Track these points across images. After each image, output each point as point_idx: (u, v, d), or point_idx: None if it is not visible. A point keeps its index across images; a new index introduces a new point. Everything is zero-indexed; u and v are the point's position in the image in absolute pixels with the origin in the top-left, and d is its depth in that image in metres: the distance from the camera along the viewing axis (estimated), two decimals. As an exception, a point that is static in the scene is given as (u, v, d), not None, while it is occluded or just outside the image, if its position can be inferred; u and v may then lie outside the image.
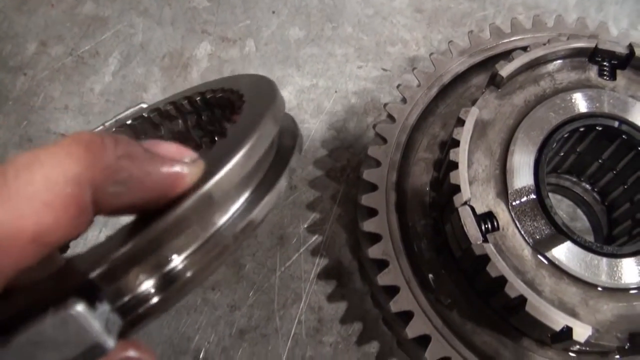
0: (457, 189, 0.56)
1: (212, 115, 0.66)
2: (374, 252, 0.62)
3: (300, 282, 0.68)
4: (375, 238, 0.62)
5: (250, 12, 0.83)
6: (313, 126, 0.77)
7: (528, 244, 0.56)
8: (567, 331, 0.51)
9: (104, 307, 0.34)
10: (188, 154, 0.39)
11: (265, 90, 0.51)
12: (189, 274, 0.38)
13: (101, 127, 0.67)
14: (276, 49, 0.82)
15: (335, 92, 0.79)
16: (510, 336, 0.60)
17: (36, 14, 0.83)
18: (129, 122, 0.66)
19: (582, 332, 0.51)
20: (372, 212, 0.63)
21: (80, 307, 0.31)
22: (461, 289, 0.62)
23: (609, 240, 0.71)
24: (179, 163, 0.38)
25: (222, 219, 0.41)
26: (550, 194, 0.67)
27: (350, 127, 0.77)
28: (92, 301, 0.33)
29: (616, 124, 0.62)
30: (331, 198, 0.73)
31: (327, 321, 0.67)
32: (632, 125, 0.62)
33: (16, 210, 0.31)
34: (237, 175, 0.40)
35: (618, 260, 0.56)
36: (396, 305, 0.59)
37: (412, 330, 0.58)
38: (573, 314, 0.53)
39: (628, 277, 0.55)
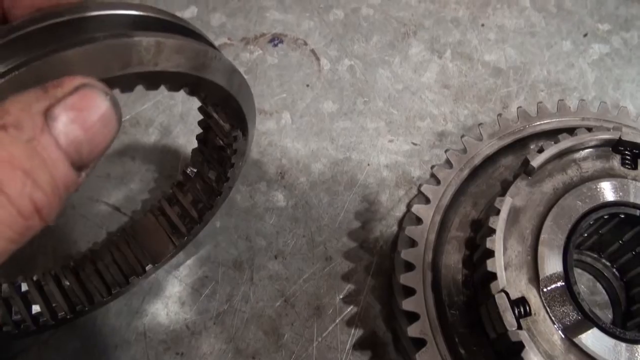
0: (493, 276, 0.62)
1: None
2: (413, 331, 0.66)
3: (337, 353, 0.73)
4: (413, 316, 0.67)
5: (285, 86, 0.89)
6: (347, 198, 0.82)
7: (558, 329, 0.62)
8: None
9: None
10: None
11: None
12: None
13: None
14: (310, 122, 0.88)
15: (368, 165, 0.85)
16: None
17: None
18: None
19: None
20: (409, 291, 0.69)
21: None
22: (493, 366, 0.68)
23: (627, 315, 0.77)
24: None
25: None
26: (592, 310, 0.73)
27: (382, 200, 0.83)
28: None
29: (638, 212, 0.69)
30: (365, 269, 0.78)
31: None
32: (652, 212, 0.69)
33: None
34: None
35: (637, 346, 0.62)
36: (429, 374, 0.65)
37: (447, 408, 0.64)
38: None
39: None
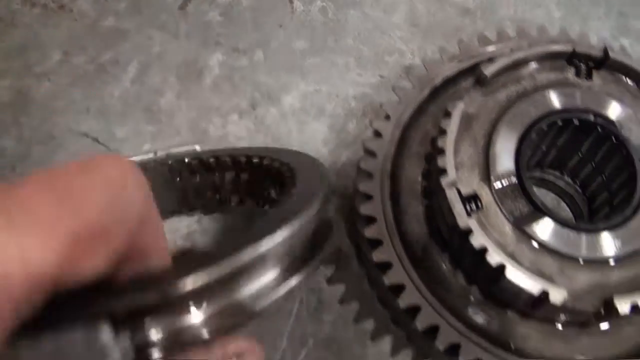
0: (444, 172, 0.63)
1: (252, 178, 0.72)
2: (370, 232, 0.68)
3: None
4: (371, 220, 0.69)
5: (259, 26, 0.91)
6: (315, 127, 0.84)
7: (509, 221, 0.63)
8: (544, 296, 0.57)
9: (126, 339, 0.32)
10: None
11: (317, 173, 0.55)
12: (203, 334, 0.35)
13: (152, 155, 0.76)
14: (283, 59, 0.89)
15: (337, 96, 0.86)
16: (496, 310, 0.66)
17: (60, 27, 0.91)
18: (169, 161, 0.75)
19: (557, 295, 0.56)
20: (368, 197, 0.70)
21: (108, 333, 0.31)
22: (448, 268, 0.68)
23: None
24: None
25: (254, 287, 0.38)
26: (535, 188, 0.74)
27: (349, 128, 0.84)
28: (118, 329, 0.32)
29: (591, 117, 0.70)
30: (331, 192, 0.80)
31: (326, 301, 0.73)
32: (606, 118, 0.69)
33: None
34: (289, 245, 0.39)
35: (591, 234, 0.62)
36: (389, 279, 0.65)
37: (404, 300, 0.64)
38: (551, 281, 0.59)
39: (601, 249, 0.61)
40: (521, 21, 0.91)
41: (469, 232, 0.59)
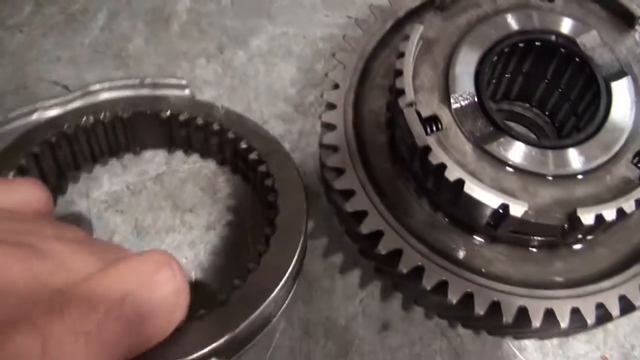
0: (402, 93, 0.62)
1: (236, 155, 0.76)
2: (332, 161, 0.67)
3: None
4: (334, 149, 0.68)
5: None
6: (283, 68, 0.83)
7: (469, 140, 0.62)
8: (505, 210, 0.57)
9: None
10: None
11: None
12: None
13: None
14: (250, 3, 0.88)
15: (304, 38, 0.85)
16: (462, 235, 0.65)
17: (29, -21, 0.92)
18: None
19: (518, 208, 0.56)
20: (331, 128, 0.69)
21: None
22: (413, 196, 0.68)
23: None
24: None
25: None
26: (504, 121, 0.74)
27: (317, 68, 0.83)
28: None
29: (553, 37, 0.69)
30: (299, 132, 0.79)
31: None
32: (568, 38, 0.68)
33: None
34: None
35: (553, 151, 0.61)
36: (352, 205, 0.65)
37: (367, 226, 0.63)
38: (513, 197, 0.58)
39: (564, 166, 0.60)
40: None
41: (428, 150, 0.58)
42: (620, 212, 0.56)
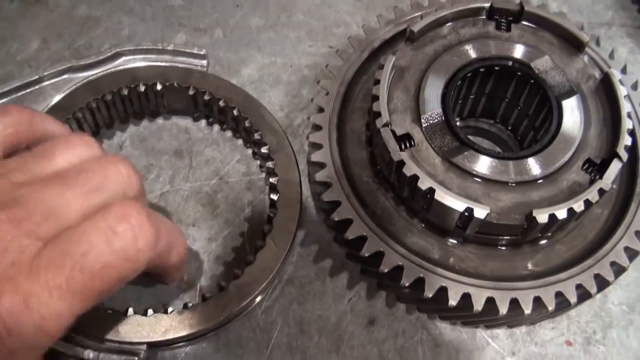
0: (378, 115, 0.71)
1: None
2: (320, 176, 0.75)
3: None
4: (321, 166, 0.77)
5: (217, 7, 0.99)
6: (273, 94, 0.92)
7: (438, 154, 0.71)
8: (470, 213, 0.65)
9: None
10: None
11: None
12: None
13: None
14: (240, 35, 0.97)
15: (291, 66, 0.94)
16: (435, 237, 0.74)
17: (38, 18, 0.98)
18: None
19: (481, 211, 0.64)
20: (318, 147, 0.78)
21: None
22: (392, 205, 0.76)
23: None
24: None
25: None
26: (471, 137, 0.83)
27: (303, 93, 0.92)
28: None
29: (510, 63, 0.78)
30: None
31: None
32: (523, 63, 0.77)
33: None
34: None
35: (512, 161, 0.70)
36: (338, 215, 0.73)
37: (352, 232, 0.71)
38: (477, 202, 0.66)
39: (521, 173, 0.69)
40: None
41: (402, 164, 0.67)
42: (571, 212, 0.65)
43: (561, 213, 0.65)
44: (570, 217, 0.66)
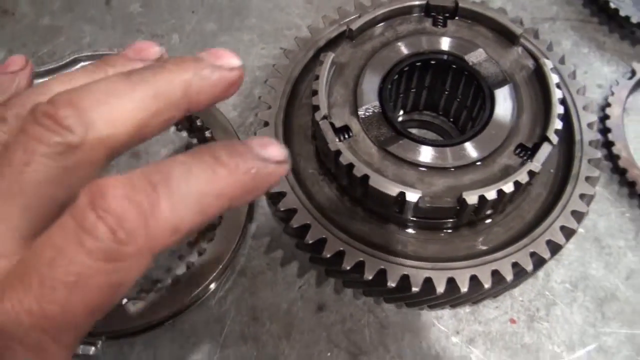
0: (317, 108, 0.75)
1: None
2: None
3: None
4: (268, 161, 0.80)
5: (174, 13, 1.03)
6: (227, 94, 0.96)
7: (375, 144, 0.74)
8: (402, 197, 0.69)
9: None
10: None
11: None
12: None
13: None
14: (196, 40, 1.01)
15: (244, 68, 0.98)
16: (377, 224, 0.77)
17: (5, 29, 1.02)
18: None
19: (413, 195, 0.67)
20: (265, 142, 0.81)
21: None
22: (336, 194, 0.80)
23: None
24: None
25: None
26: (416, 129, 0.87)
27: (255, 93, 0.95)
28: None
29: (445, 57, 0.82)
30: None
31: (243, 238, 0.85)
32: (458, 57, 0.81)
33: None
34: None
35: (443, 148, 0.74)
36: (283, 205, 0.76)
37: (296, 221, 0.75)
38: (411, 187, 0.69)
39: (453, 159, 0.72)
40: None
41: (339, 153, 0.71)
42: (501, 193, 0.68)
43: (491, 194, 0.68)
44: (501, 199, 0.70)
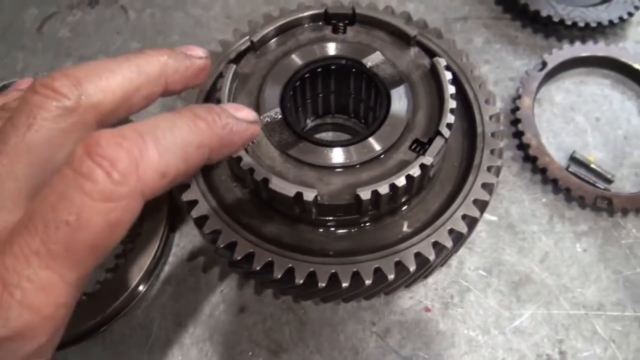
0: (222, 119, 0.78)
1: None
2: (186, 196, 0.82)
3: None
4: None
5: (101, 36, 1.07)
6: (149, 109, 0.99)
7: (277, 148, 0.78)
8: (300, 197, 0.72)
9: None
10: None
11: None
12: None
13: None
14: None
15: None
16: (287, 224, 0.80)
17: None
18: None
19: (309, 194, 0.70)
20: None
21: None
22: (247, 199, 0.83)
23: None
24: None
25: None
26: (331, 132, 0.90)
27: (178, 106, 0.99)
28: None
29: (344, 61, 0.86)
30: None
31: (166, 248, 0.88)
32: (357, 61, 0.85)
33: None
34: None
35: (340, 148, 0.77)
36: (195, 212, 0.80)
37: (208, 227, 0.78)
38: (311, 187, 0.73)
39: (348, 159, 0.76)
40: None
41: (240, 159, 0.74)
42: (393, 187, 0.72)
43: (383, 189, 0.71)
44: (395, 192, 0.73)
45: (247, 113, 0.56)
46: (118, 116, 0.53)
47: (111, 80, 0.52)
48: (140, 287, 0.85)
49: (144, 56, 0.55)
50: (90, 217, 0.41)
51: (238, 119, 0.54)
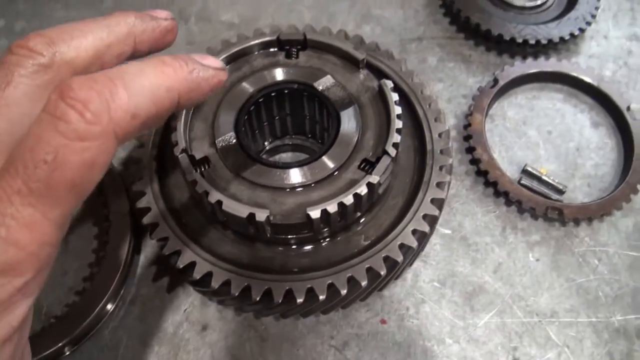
0: (176, 143, 0.82)
1: None
2: (140, 202, 0.86)
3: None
4: (141, 195, 0.87)
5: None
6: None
7: (231, 171, 0.82)
8: (253, 218, 0.76)
9: None
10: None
11: None
12: None
13: None
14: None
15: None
16: (245, 244, 0.84)
17: None
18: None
19: (260, 214, 0.73)
20: (139, 178, 0.88)
21: None
22: (207, 220, 0.87)
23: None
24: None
25: None
26: (291, 153, 0.94)
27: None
28: None
29: (296, 85, 0.90)
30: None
31: (131, 271, 0.91)
32: (308, 85, 0.88)
33: None
34: None
35: (292, 169, 0.81)
36: (155, 235, 0.83)
37: (168, 248, 0.81)
38: (264, 208, 0.76)
39: (300, 179, 0.80)
40: (276, 26, 1.13)
41: (195, 183, 0.78)
42: (342, 205, 0.75)
43: (332, 207, 0.75)
44: (344, 210, 0.77)
45: (212, 61, 0.59)
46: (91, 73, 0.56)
47: (82, 39, 0.56)
48: (108, 307, 0.88)
49: (113, 18, 0.60)
50: (67, 155, 0.44)
51: (204, 65, 0.57)
